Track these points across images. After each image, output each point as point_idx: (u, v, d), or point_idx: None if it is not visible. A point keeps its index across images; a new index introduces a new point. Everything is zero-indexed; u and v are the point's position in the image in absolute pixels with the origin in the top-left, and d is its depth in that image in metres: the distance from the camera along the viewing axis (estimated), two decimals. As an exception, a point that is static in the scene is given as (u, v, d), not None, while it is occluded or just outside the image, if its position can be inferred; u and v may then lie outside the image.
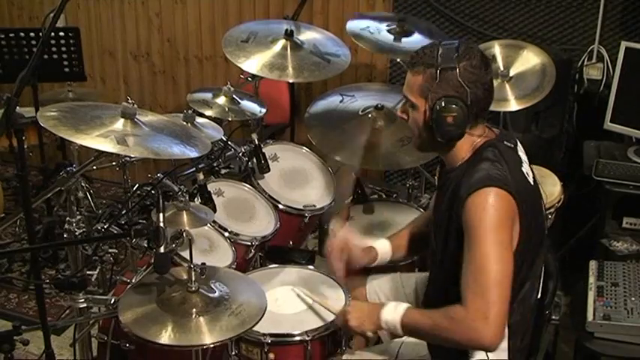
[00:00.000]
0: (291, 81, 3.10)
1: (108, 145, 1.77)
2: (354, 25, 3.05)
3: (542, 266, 1.95)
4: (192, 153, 1.95)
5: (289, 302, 2.27)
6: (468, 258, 1.75)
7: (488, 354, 1.88)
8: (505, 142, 1.91)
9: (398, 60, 3.21)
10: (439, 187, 2.06)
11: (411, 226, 2.30)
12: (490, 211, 1.73)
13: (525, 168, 1.90)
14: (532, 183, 1.90)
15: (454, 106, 1.78)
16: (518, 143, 1.98)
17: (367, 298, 2.32)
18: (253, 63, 2.73)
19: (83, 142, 1.76)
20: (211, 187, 2.59)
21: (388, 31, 3.06)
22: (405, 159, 2.73)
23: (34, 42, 3.47)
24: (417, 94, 1.84)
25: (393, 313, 1.88)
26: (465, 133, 1.84)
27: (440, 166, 2.10)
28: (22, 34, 3.48)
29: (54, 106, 1.93)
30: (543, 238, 1.93)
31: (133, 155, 2.18)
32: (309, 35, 2.96)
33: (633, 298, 2.33)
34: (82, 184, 2.26)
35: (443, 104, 1.79)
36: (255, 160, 2.75)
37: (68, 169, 2.15)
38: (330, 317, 2.15)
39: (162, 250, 1.77)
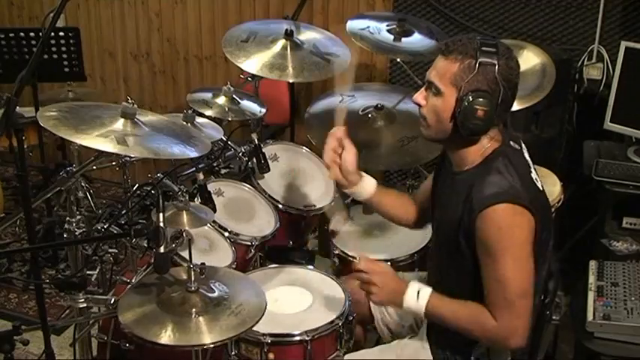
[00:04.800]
0: (291, 81, 3.09)
1: (108, 145, 1.77)
2: (354, 25, 3.05)
3: (546, 269, 1.96)
4: (191, 153, 1.95)
5: (289, 302, 2.27)
6: (490, 273, 1.79)
7: (490, 356, 1.90)
8: (512, 144, 1.90)
9: (398, 60, 3.22)
10: (442, 187, 2.04)
11: (400, 193, 2.33)
12: (508, 230, 1.75)
13: (534, 173, 1.90)
14: (541, 189, 1.90)
15: (486, 100, 1.76)
16: (522, 143, 1.97)
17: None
18: (253, 63, 2.72)
19: (83, 141, 1.76)
20: (211, 187, 2.59)
21: (388, 31, 3.06)
22: (405, 159, 2.74)
23: (34, 42, 3.47)
24: (447, 82, 1.80)
25: (416, 302, 1.90)
26: (488, 130, 1.83)
27: (441, 159, 2.08)
28: (22, 34, 3.48)
29: (54, 106, 1.92)
30: (550, 243, 1.93)
31: (132, 155, 2.17)
32: (309, 35, 2.95)
33: (633, 298, 2.33)
34: (82, 184, 2.26)
35: (475, 97, 1.76)
36: (255, 160, 2.75)
37: (68, 169, 2.15)
38: (328, 317, 2.16)
39: (162, 250, 1.76)
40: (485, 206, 1.75)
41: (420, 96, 1.89)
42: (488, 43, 1.79)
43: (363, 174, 2.19)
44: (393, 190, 2.32)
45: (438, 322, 1.93)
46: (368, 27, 3.06)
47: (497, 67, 1.76)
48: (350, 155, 2.12)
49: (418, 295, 1.90)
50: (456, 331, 1.88)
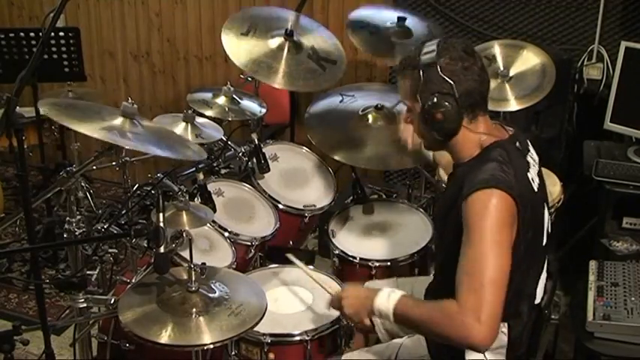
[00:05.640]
0: (279, 87, 3.01)
1: (112, 138, 1.79)
2: (356, 14, 3.04)
3: (540, 276, 1.95)
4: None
5: (289, 302, 2.27)
6: (465, 255, 1.73)
7: (486, 355, 1.88)
8: (517, 144, 1.90)
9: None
10: (448, 180, 2.06)
11: None
12: (491, 211, 1.72)
13: (531, 174, 1.89)
14: (536, 190, 1.88)
15: (442, 101, 1.80)
16: (530, 146, 1.97)
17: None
18: (247, 60, 2.72)
19: (88, 131, 1.77)
20: (211, 187, 2.59)
21: (388, 31, 3.06)
22: (405, 159, 2.73)
23: (34, 42, 3.47)
24: (410, 98, 1.87)
25: (387, 301, 1.84)
26: (460, 126, 1.84)
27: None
28: (22, 34, 3.49)
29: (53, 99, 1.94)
30: (541, 248, 1.91)
31: (137, 149, 2.17)
32: (309, 37, 2.95)
33: (633, 298, 2.33)
34: (82, 184, 2.27)
35: (432, 101, 1.81)
36: (255, 160, 2.75)
37: (68, 169, 2.15)
38: (328, 317, 2.16)
39: (162, 250, 1.76)
40: (474, 190, 1.74)
41: (404, 118, 1.96)
42: (427, 48, 1.83)
43: None
44: None
45: (407, 322, 1.85)
46: (368, 23, 3.06)
47: (438, 66, 1.79)
48: None
49: (389, 297, 1.85)
50: (426, 334, 1.84)
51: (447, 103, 1.80)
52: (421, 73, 1.81)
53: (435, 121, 1.82)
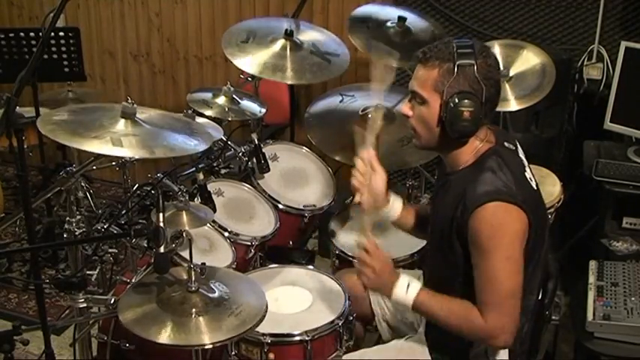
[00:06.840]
0: (290, 83, 3.05)
1: (103, 147, 1.77)
2: (359, 11, 3.04)
3: (541, 271, 1.96)
4: (195, 144, 1.94)
5: (289, 302, 2.27)
6: (481, 271, 1.79)
7: (488, 355, 1.90)
8: (505, 144, 1.90)
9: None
10: (437, 188, 2.05)
11: (419, 207, 2.30)
12: (500, 228, 1.75)
13: (528, 173, 1.90)
14: (535, 188, 1.91)
15: (471, 101, 1.77)
16: (517, 144, 1.98)
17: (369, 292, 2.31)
18: (253, 64, 2.73)
19: (78, 145, 1.76)
20: (211, 187, 2.59)
21: (389, 32, 3.05)
22: (405, 159, 2.74)
23: (34, 42, 3.47)
24: (430, 89, 1.82)
25: (405, 295, 1.90)
26: (477, 130, 1.83)
27: (439, 167, 2.09)
28: (22, 34, 3.48)
29: (59, 110, 1.93)
30: (545, 244, 1.93)
31: (126, 155, 2.16)
32: (309, 35, 2.96)
33: (633, 298, 2.33)
34: (82, 184, 2.26)
35: (459, 99, 1.77)
36: (255, 160, 2.75)
37: (68, 169, 2.15)
38: (328, 317, 2.16)
39: (162, 250, 1.76)
40: (478, 204, 1.76)
41: (405, 107, 1.91)
42: (463, 45, 1.80)
43: (391, 195, 2.15)
44: (417, 207, 2.26)
45: (425, 316, 1.95)
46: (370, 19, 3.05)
47: (475, 66, 1.77)
48: (380, 180, 2.08)
49: (407, 289, 1.90)
50: (444, 327, 1.88)
51: (474, 104, 1.77)
52: (455, 67, 1.77)
53: (455, 119, 1.79)
